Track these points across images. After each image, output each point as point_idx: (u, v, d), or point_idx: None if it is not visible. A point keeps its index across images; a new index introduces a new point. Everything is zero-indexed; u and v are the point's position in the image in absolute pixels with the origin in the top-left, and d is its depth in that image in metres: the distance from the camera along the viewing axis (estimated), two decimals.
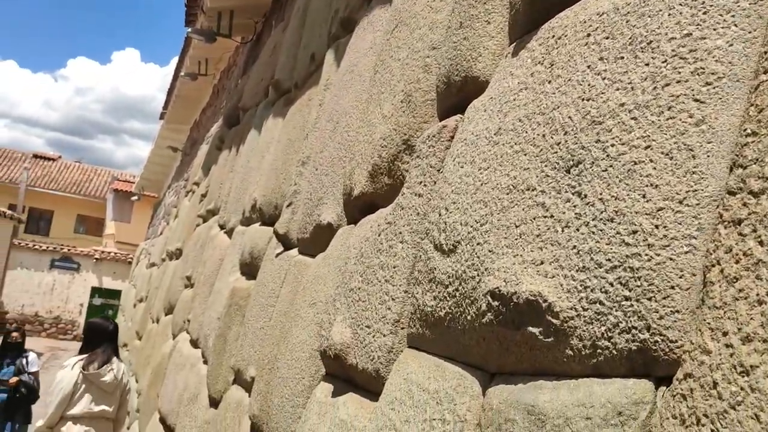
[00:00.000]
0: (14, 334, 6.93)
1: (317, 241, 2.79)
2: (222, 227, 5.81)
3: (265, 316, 3.23)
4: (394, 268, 1.60)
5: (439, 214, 1.38)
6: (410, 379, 1.34)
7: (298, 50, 4.68)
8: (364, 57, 2.77)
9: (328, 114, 3.06)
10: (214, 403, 3.90)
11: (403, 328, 1.53)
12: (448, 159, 1.46)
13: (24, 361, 6.80)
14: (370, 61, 2.64)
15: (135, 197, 21.48)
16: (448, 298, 1.26)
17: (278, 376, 2.41)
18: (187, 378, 4.85)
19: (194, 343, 5.24)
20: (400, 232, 1.63)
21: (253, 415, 2.78)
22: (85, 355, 4.75)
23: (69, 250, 21.57)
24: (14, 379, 6.63)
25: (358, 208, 2.17)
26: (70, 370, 4.62)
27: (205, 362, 4.60)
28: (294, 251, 3.21)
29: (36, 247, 20.88)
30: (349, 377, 1.79)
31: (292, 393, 2.18)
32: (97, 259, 21.49)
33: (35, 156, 29.20)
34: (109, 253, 22.00)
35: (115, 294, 20.54)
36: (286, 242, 3.31)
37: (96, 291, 21.22)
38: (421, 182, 1.61)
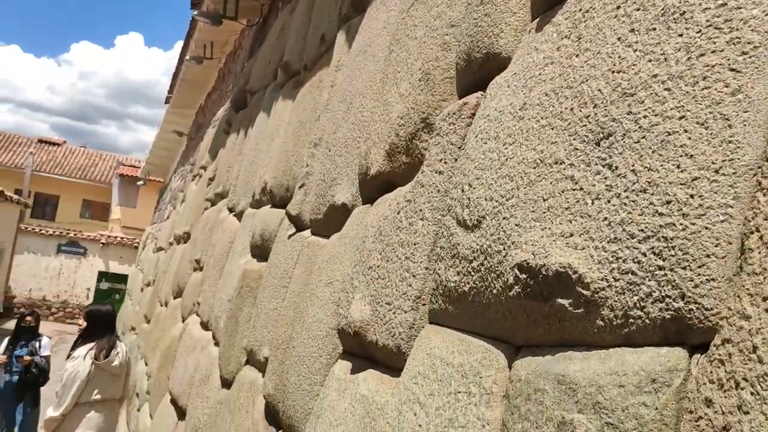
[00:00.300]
0: (28, 318, 7.00)
1: (331, 221, 2.80)
2: (231, 210, 5.83)
3: (278, 297, 3.24)
4: (415, 245, 1.61)
5: (462, 190, 1.38)
6: (433, 354, 1.36)
7: (307, 32, 4.67)
8: (377, 37, 2.76)
9: (341, 95, 3.06)
10: (227, 383, 3.93)
11: (424, 305, 1.54)
12: (470, 135, 1.46)
13: (37, 344, 6.87)
14: (384, 41, 2.63)
15: (141, 182, 21.53)
16: (472, 273, 1.27)
17: (294, 355, 2.43)
18: (198, 360, 4.89)
19: (204, 326, 5.28)
20: (421, 210, 1.63)
21: (268, 394, 2.81)
22: (92, 344, 4.82)
23: (75, 234, 21.67)
24: (27, 358, 6.71)
25: (374, 187, 2.18)
26: (83, 361, 4.70)
27: (216, 344, 4.64)
28: (307, 232, 3.22)
29: (42, 231, 20.96)
30: (368, 354, 1.81)
31: (309, 371, 2.20)
32: (103, 243, 21.58)
33: (40, 141, 29.24)
34: (116, 237, 22.08)
35: (122, 278, 20.65)
36: (298, 223, 3.32)
37: (103, 275, 21.33)
38: (441, 159, 1.61)
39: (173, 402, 5.34)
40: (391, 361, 1.64)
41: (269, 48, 6.40)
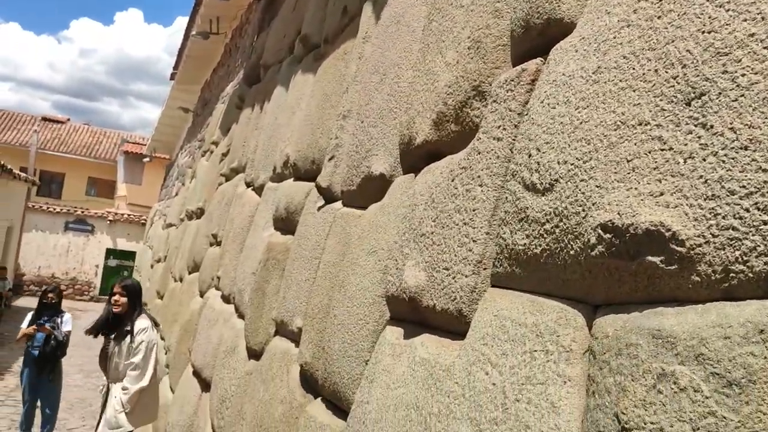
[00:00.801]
0: (50, 294, 7.07)
1: (365, 192, 2.82)
2: (249, 185, 5.85)
3: (309, 267, 3.28)
4: (474, 211, 1.63)
5: (529, 155, 1.40)
6: (502, 316, 1.38)
7: (326, 4, 4.64)
8: (411, 8, 2.75)
9: (372, 66, 3.06)
10: (255, 354, 3.99)
11: (485, 269, 1.56)
12: (533, 101, 1.47)
13: (59, 320, 6.95)
14: (420, 11, 2.63)
15: (146, 159, 21.53)
16: (545, 235, 1.29)
17: (335, 324, 2.46)
18: (222, 332, 4.95)
19: (226, 299, 5.33)
20: (479, 176, 1.65)
21: (305, 363, 2.86)
22: (147, 317, 4.94)
23: (83, 212, 21.73)
24: (47, 327, 6.79)
25: (419, 156, 2.19)
26: (152, 331, 4.89)
27: (240, 316, 4.69)
28: (337, 204, 3.25)
29: (50, 209, 21.04)
30: (422, 319, 1.84)
31: (354, 338, 2.24)
32: (110, 221, 21.67)
33: (44, 119, 29.18)
34: (122, 215, 22.16)
35: (130, 255, 20.78)
36: (328, 195, 3.34)
37: (111, 252, 21.47)
38: (499, 126, 1.62)
39: (196, 374, 5.42)
40: (450, 325, 1.67)
41: (283, 22, 6.36)
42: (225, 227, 6.27)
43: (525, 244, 1.36)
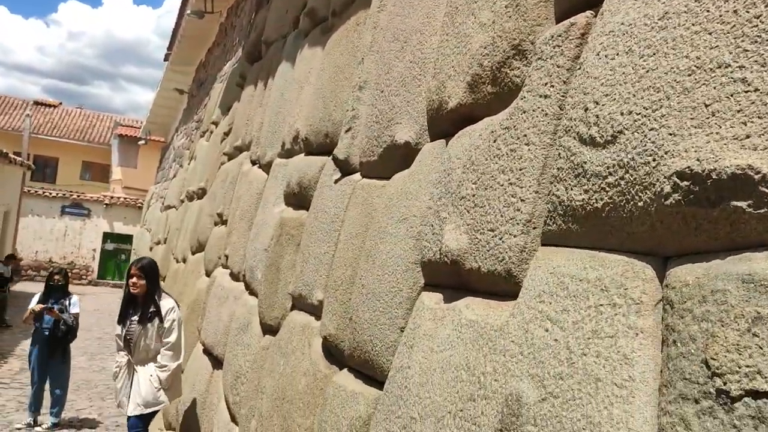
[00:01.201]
0: (56, 276, 7.02)
1: (388, 161, 2.79)
2: (255, 162, 5.80)
3: (328, 241, 3.25)
4: (521, 170, 1.60)
5: (585, 109, 1.36)
6: (559, 272, 1.36)
7: None
8: None
9: (391, 35, 3.00)
10: (270, 330, 3.98)
11: (535, 228, 1.54)
12: (587, 55, 1.44)
13: (67, 302, 6.92)
14: None
15: (142, 141, 21.37)
16: (607, 189, 1.27)
17: (364, 294, 2.44)
18: (233, 310, 4.94)
19: (235, 277, 5.31)
20: (524, 135, 1.62)
21: (329, 335, 2.84)
22: (171, 295, 4.94)
23: (78, 196, 21.60)
24: (56, 311, 6.76)
25: (451, 121, 2.15)
26: (178, 310, 4.88)
27: (252, 293, 4.68)
28: (356, 176, 3.21)
29: (46, 194, 20.90)
30: (463, 283, 1.82)
31: (386, 306, 2.22)
32: (107, 204, 21.55)
33: (36, 103, 28.88)
34: (119, 198, 22.04)
35: (127, 239, 20.70)
36: (345, 167, 3.30)
37: (108, 236, 21.38)
38: (546, 83, 1.59)
39: (207, 352, 5.41)
40: (496, 287, 1.64)
41: None
42: (231, 206, 6.23)
43: (583, 199, 1.34)
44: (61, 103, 29.88)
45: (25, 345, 8.39)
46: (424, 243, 2.04)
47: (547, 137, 1.55)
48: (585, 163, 1.34)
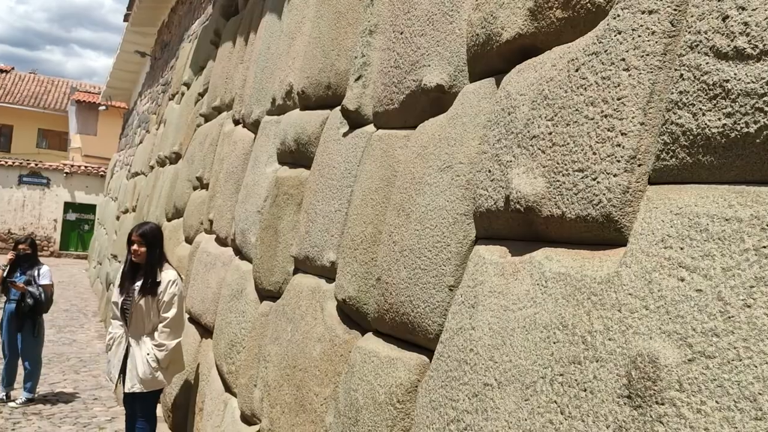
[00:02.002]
0: (21, 246, 6.60)
1: (412, 108, 2.55)
2: (238, 122, 5.47)
3: (338, 198, 3.01)
4: (619, 100, 1.39)
5: (724, 18, 1.15)
6: (690, 213, 1.16)
7: None
8: None
9: None
10: (270, 295, 3.74)
11: (640, 165, 1.33)
12: None
13: (36, 273, 6.53)
14: None
15: (102, 107, 20.51)
16: (764, 109, 1.06)
17: (396, 251, 2.22)
18: (223, 276, 4.67)
19: (222, 242, 5.03)
20: (622, 59, 1.40)
21: (348, 297, 2.62)
22: (171, 266, 4.61)
23: (36, 165, 20.71)
24: (21, 285, 6.37)
25: (504, 56, 1.92)
26: (181, 283, 4.58)
27: (243, 258, 4.41)
28: (369, 127, 2.96)
29: (2, 162, 19.95)
30: (537, 233, 1.61)
31: (430, 263, 2.00)
32: (66, 173, 20.71)
33: None
34: (79, 167, 21.20)
35: (90, 208, 19.97)
36: (357, 119, 3.05)
37: (69, 206, 20.59)
38: None
39: (193, 321, 5.15)
40: (587, 234, 1.44)
41: None
42: (212, 169, 5.91)
43: (724, 125, 1.13)
44: (13, 68, 28.45)
45: None
46: (480, 191, 1.83)
47: (654, 59, 1.33)
48: (727, 81, 1.13)
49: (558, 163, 1.52)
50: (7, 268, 6.63)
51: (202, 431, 4.36)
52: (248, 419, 3.60)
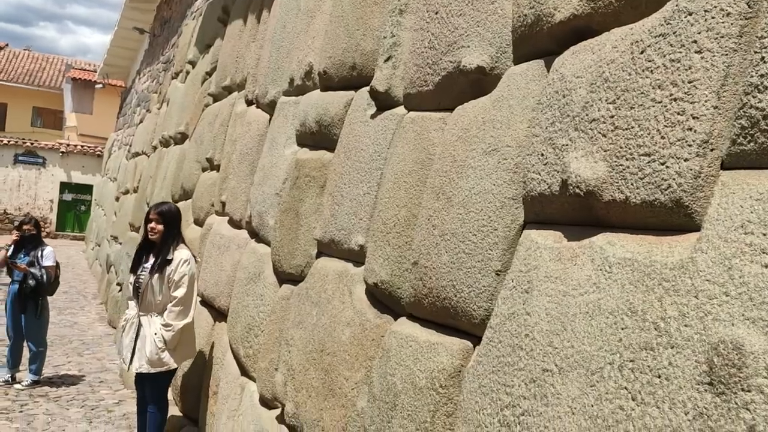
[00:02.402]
0: (26, 226, 6.56)
1: (449, 90, 2.52)
2: (251, 102, 5.41)
3: (367, 180, 2.99)
4: (691, 83, 1.37)
5: None
6: None
7: None
8: None
9: None
10: (291, 279, 3.72)
11: (713, 149, 1.32)
12: None
13: (40, 253, 6.49)
14: None
15: (99, 85, 20.29)
16: None
17: (436, 235, 2.21)
18: (238, 259, 4.65)
19: (236, 224, 5.00)
20: (694, 41, 1.38)
21: (380, 281, 2.61)
22: (187, 246, 4.57)
23: (32, 144, 20.52)
24: (23, 266, 6.35)
25: (556, 37, 1.90)
26: (194, 263, 4.56)
27: (259, 241, 4.39)
28: (399, 109, 2.93)
29: None
30: (596, 217, 1.60)
31: (475, 247, 1.99)
32: (63, 153, 20.54)
33: None
34: (76, 146, 21.02)
35: (87, 189, 19.83)
36: (386, 100, 3.01)
37: (65, 186, 20.44)
38: None
39: (206, 304, 5.13)
40: (653, 220, 1.43)
41: None
42: (223, 149, 5.86)
43: None
44: (7, 45, 28.09)
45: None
46: (531, 175, 1.81)
47: (730, 41, 1.31)
48: None
49: (621, 147, 1.50)
50: (11, 248, 6.60)
51: (217, 415, 4.36)
52: (268, 403, 3.60)
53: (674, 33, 1.43)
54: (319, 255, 3.45)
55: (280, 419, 3.37)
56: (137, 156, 11.89)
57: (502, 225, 1.92)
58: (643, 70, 1.49)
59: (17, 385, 6.39)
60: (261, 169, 4.55)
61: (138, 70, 16.34)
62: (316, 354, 2.99)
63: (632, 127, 1.48)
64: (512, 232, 1.89)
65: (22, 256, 6.49)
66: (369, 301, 2.77)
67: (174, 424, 4.94)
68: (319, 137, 3.80)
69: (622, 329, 1.35)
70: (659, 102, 1.43)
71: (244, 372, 4.13)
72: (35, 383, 6.45)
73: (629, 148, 1.48)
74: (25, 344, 6.55)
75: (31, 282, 6.46)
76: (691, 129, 1.35)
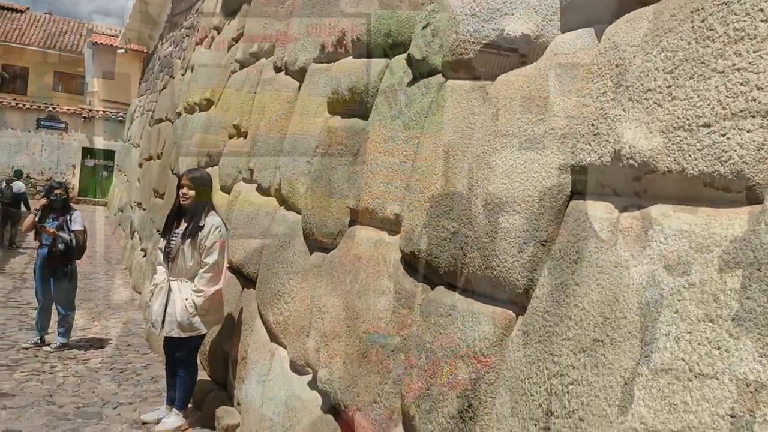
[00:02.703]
0: (57, 191, 6.64)
1: (490, 59, 2.49)
2: (280, 69, 5.40)
3: (404, 149, 2.98)
4: (755, 53, 1.34)
5: None
6: None
7: None
8: None
9: None
10: (322, 247, 3.75)
11: None
12: None
13: (68, 218, 6.58)
14: None
15: (122, 50, 20.29)
16: None
17: (480, 204, 2.21)
18: (266, 226, 4.68)
19: (264, 192, 5.03)
20: (760, 9, 1.35)
21: (418, 251, 2.63)
22: (217, 213, 4.61)
23: (54, 108, 20.66)
24: (51, 230, 6.45)
25: (608, 5, 1.86)
26: (225, 229, 4.61)
27: (288, 208, 4.42)
28: (437, 77, 2.91)
29: (19, 105, 19.91)
30: (648, 189, 1.59)
31: (521, 217, 1.99)
32: (85, 118, 20.67)
33: (1, 7, 27.13)
34: (98, 111, 21.13)
35: (109, 154, 19.99)
36: (423, 69, 2.99)
37: (88, 151, 20.62)
38: None
39: (235, 270, 5.19)
40: (708, 192, 1.41)
41: None
42: (250, 116, 5.87)
43: None
44: (28, 8, 28.10)
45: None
46: (580, 146, 1.80)
47: None
48: None
49: (678, 118, 1.48)
50: (39, 212, 6.70)
51: (246, 380, 4.45)
52: (299, 369, 3.66)
53: (739, 1, 1.40)
54: (352, 223, 3.47)
55: (312, 385, 3.43)
56: (161, 122, 11.94)
57: (548, 195, 1.91)
58: (704, 39, 1.46)
59: (46, 348, 6.53)
60: (291, 136, 4.56)
61: (161, 35, 16.30)
62: (351, 321, 3.02)
63: (691, 98, 1.46)
64: (559, 203, 1.89)
65: (51, 220, 6.58)
66: (405, 269, 2.79)
67: (202, 388, 5.04)
68: (352, 105, 3.78)
69: (679, 301, 1.35)
70: (721, 72, 1.41)
71: (274, 338, 4.19)
72: (64, 346, 6.59)
73: (687, 119, 1.46)
74: (53, 308, 6.68)
75: (61, 246, 6.56)
76: (755, 100, 1.33)
